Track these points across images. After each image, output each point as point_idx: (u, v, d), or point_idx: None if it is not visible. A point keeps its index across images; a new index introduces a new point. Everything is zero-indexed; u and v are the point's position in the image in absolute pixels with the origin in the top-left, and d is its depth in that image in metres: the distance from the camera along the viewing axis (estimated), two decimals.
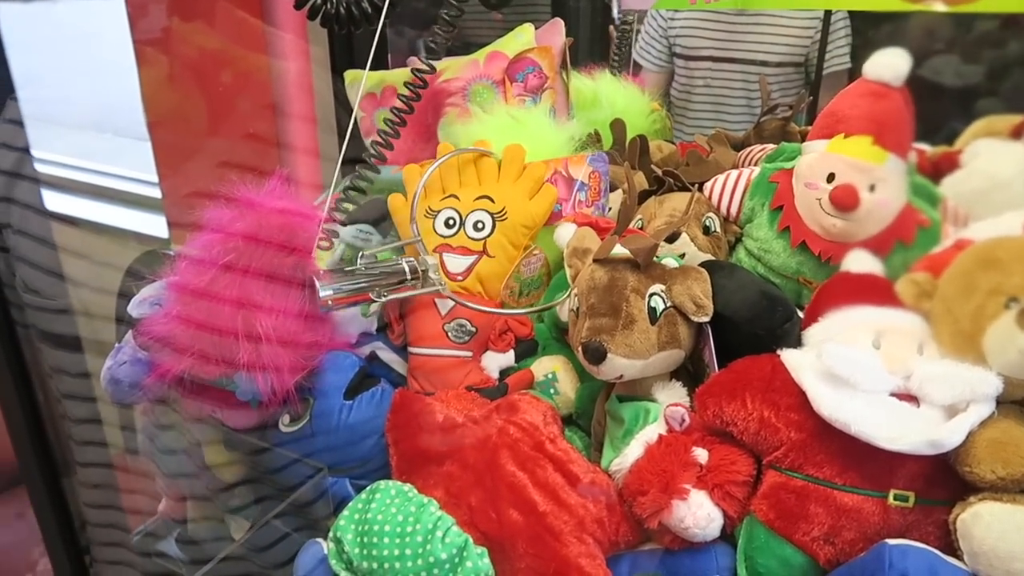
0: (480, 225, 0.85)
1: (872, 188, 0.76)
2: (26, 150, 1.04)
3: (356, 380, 0.79)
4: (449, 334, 0.83)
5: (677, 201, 0.87)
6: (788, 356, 0.65)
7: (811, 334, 0.67)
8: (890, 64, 0.77)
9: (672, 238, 0.81)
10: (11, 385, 1.02)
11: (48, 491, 1.09)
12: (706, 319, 0.69)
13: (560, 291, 0.83)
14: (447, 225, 0.85)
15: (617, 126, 1.06)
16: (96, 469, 1.15)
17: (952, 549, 0.56)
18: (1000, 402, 0.58)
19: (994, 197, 0.76)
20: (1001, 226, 0.66)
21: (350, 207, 0.91)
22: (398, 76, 1.08)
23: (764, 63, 1.59)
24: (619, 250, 0.70)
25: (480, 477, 0.66)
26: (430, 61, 0.89)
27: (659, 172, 0.92)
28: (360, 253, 0.78)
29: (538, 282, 0.88)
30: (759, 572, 0.61)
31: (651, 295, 0.68)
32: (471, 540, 0.63)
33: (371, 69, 0.91)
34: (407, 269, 0.79)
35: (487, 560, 0.62)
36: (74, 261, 1.12)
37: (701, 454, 0.64)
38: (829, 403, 0.59)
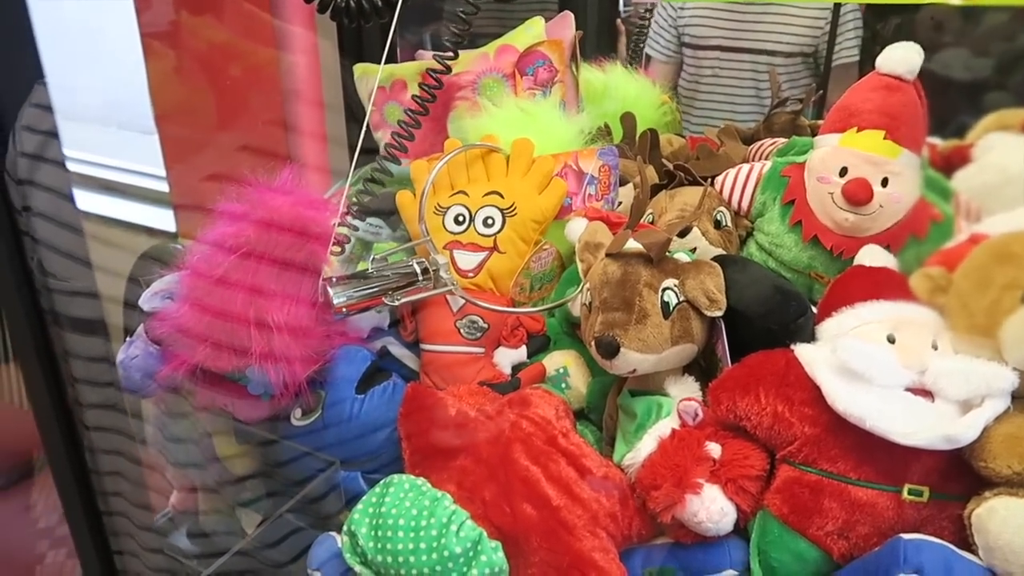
0: (490, 221, 0.85)
1: (885, 182, 0.76)
2: (53, 134, 1.03)
3: (368, 374, 0.79)
4: (461, 330, 0.83)
5: (688, 195, 0.87)
6: (802, 351, 0.65)
7: (825, 329, 0.67)
8: (903, 58, 0.76)
9: (684, 233, 0.81)
10: (38, 371, 1.02)
11: (76, 480, 1.09)
12: (719, 314, 0.68)
13: (571, 285, 0.83)
14: (457, 222, 0.85)
15: (627, 119, 1.06)
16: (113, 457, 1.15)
17: (967, 544, 0.56)
18: (1016, 397, 0.58)
19: (1006, 191, 0.76)
20: (1016, 220, 0.66)
21: (365, 198, 0.91)
22: (407, 70, 1.08)
23: (774, 53, 1.58)
24: (632, 244, 0.70)
25: (493, 471, 0.67)
26: (446, 61, 0.89)
27: (670, 166, 0.92)
28: (372, 257, 0.78)
29: (549, 276, 0.88)
30: (772, 566, 0.61)
31: (664, 289, 0.68)
32: (485, 534, 0.63)
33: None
34: (418, 270, 0.79)
35: (501, 554, 0.62)
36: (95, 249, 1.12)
37: (714, 448, 0.64)
38: (844, 398, 0.59)
